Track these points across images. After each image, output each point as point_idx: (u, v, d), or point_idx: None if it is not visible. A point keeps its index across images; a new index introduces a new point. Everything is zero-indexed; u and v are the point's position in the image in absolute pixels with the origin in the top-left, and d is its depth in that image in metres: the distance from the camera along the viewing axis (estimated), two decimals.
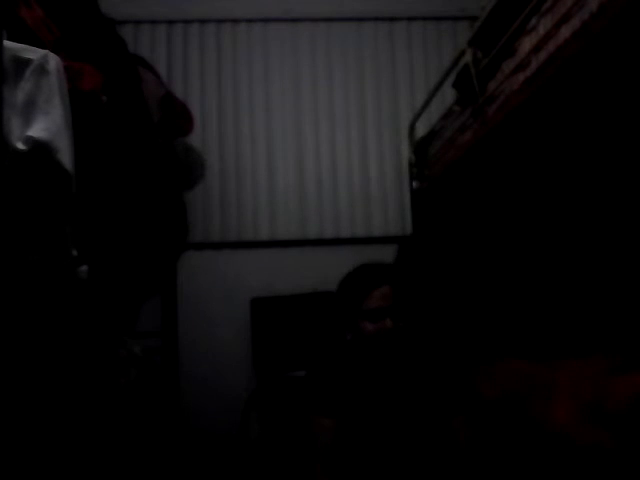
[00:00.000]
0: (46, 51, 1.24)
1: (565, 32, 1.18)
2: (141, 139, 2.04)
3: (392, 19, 3.11)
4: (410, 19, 3.11)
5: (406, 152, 2.86)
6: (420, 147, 2.57)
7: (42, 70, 1.20)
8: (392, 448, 1.44)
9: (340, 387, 1.51)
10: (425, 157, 2.49)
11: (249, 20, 3.06)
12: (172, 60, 2.99)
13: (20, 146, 1.14)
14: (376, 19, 3.10)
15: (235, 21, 3.05)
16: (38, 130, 1.17)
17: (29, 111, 1.18)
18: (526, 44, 1.37)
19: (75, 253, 1.28)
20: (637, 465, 1.16)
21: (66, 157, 1.21)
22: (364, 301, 1.45)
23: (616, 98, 1.33)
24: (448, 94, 2.59)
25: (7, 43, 1.13)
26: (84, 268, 1.34)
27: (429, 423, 1.46)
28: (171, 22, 3.01)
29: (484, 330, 2.35)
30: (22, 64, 1.19)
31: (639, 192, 1.63)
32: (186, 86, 2.98)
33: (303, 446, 1.56)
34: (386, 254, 2.76)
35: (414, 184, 2.69)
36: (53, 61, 1.23)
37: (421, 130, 2.72)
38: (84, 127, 1.40)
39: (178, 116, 2.60)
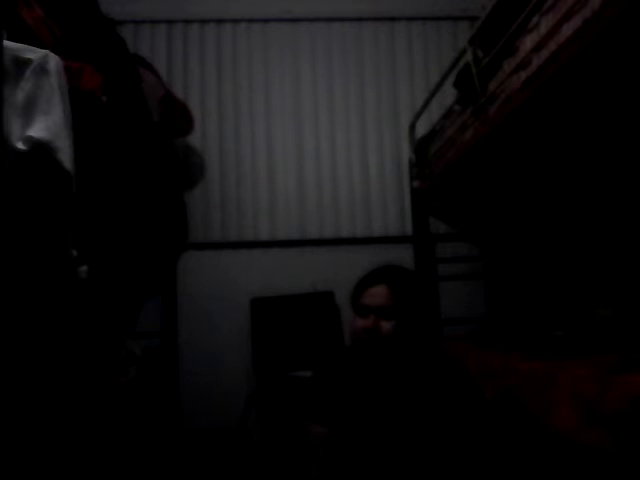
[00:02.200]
0: (46, 51, 1.23)
1: (567, 31, 1.18)
2: (141, 139, 2.03)
3: (392, 19, 3.11)
4: (410, 19, 3.11)
5: (406, 152, 2.86)
6: (420, 147, 2.57)
7: (42, 70, 1.20)
8: (385, 453, 1.42)
9: (334, 393, 1.50)
10: (425, 157, 2.49)
11: (249, 20, 3.06)
12: (172, 60, 2.99)
13: (20, 146, 1.14)
14: (376, 19, 3.10)
15: (235, 21, 3.05)
16: (38, 130, 1.16)
17: (29, 111, 1.17)
18: (527, 43, 1.37)
19: (75, 253, 1.27)
20: (637, 465, 1.16)
21: (66, 157, 1.20)
22: (359, 298, 1.46)
23: (617, 97, 1.33)
24: (448, 94, 2.59)
25: (7, 43, 1.13)
26: (84, 268, 1.34)
27: (420, 426, 1.44)
28: (171, 22, 3.01)
29: (486, 326, 2.35)
30: (22, 64, 1.18)
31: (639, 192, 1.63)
32: (186, 86, 2.98)
33: (298, 453, 1.55)
34: (386, 254, 2.76)
35: (414, 184, 2.68)
36: (53, 61, 1.23)
37: (421, 130, 2.72)
38: (84, 127, 1.39)
39: (178, 116, 2.60)
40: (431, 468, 1.39)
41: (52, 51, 1.26)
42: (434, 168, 2.33)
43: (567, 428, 1.37)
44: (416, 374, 1.46)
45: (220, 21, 3.04)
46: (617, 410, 1.21)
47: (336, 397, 1.49)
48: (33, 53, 1.21)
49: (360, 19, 3.10)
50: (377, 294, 1.44)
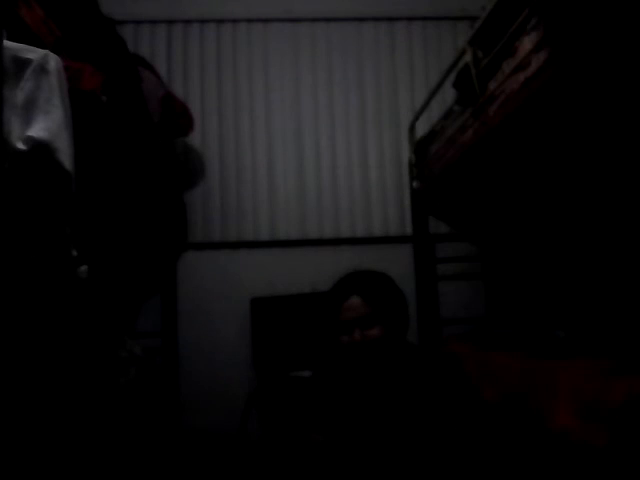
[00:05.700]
0: (46, 51, 1.23)
1: None
2: (141, 139, 2.03)
3: (392, 19, 3.11)
4: (410, 19, 3.12)
5: (406, 152, 2.86)
6: (420, 147, 2.57)
7: (42, 70, 1.20)
8: (382, 457, 1.42)
9: (331, 401, 1.50)
10: (425, 157, 2.48)
11: (249, 20, 3.06)
12: (172, 60, 2.99)
13: (20, 146, 1.14)
14: (376, 19, 3.10)
15: (235, 21, 3.05)
16: (38, 130, 1.16)
17: (29, 111, 1.17)
18: (526, 44, 1.37)
19: (75, 253, 1.28)
20: (636, 465, 1.16)
21: (66, 157, 1.20)
22: (338, 315, 1.46)
23: (617, 98, 1.33)
24: (448, 94, 2.59)
25: (7, 43, 1.13)
26: (84, 268, 1.34)
27: (416, 429, 1.43)
28: (171, 22, 3.01)
29: (486, 327, 2.35)
30: (22, 64, 1.19)
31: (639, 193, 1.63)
32: (186, 86, 2.98)
33: (297, 459, 1.55)
34: (386, 254, 2.76)
35: (414, 184, 2.68)
36: (53, 61, 1.23)
37: (421, 130, 2.71)
38: (84, 127, 1.39)
39: (178, 116, 2.60)
40: (429, 472, 1.39)
41: (52, 51, 1.26)
42: (434, 168, 2.33)
43: (567, 428, 1.38)
44: (411, 376, 1.46)
45: (220, 21, 3.04)
46: (616, 410, 1.22)
47: (332, 404, 1.49)
48: (33, 53, 1.21)
49: (360, 19, 3.10)
50: (353, 307, 1.45)
